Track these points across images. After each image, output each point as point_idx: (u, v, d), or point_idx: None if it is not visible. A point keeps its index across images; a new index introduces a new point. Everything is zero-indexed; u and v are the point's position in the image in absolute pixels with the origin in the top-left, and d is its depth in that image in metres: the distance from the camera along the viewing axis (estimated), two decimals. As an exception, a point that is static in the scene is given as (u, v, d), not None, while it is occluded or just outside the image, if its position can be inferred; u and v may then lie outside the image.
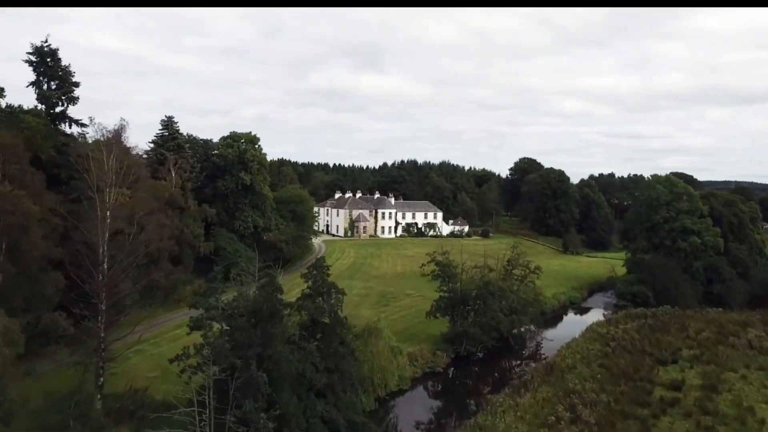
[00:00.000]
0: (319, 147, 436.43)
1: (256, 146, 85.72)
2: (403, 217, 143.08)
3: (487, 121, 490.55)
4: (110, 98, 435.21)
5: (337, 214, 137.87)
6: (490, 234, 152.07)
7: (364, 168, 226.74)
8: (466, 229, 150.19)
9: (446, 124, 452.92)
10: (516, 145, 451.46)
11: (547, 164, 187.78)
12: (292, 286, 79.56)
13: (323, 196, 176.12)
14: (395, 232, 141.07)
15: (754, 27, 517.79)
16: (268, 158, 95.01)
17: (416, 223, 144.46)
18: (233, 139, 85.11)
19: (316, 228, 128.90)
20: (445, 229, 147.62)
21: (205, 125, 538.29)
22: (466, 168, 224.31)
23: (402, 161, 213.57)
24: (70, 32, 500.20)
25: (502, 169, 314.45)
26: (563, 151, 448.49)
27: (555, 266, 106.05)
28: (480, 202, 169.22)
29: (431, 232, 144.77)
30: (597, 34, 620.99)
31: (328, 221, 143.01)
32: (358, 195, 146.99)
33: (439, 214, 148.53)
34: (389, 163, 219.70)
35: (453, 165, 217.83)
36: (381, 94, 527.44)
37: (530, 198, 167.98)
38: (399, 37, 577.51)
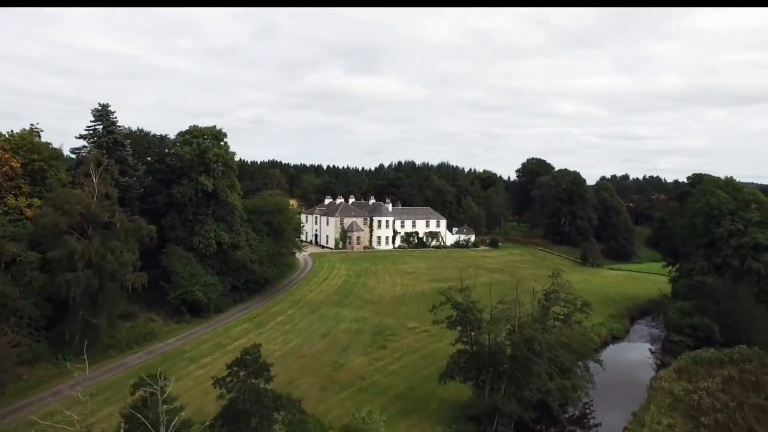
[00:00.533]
0: (315, 149, 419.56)
1: (222, 143, 69.19)
2: (402, 226, 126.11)
3: (484, 123, 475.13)
4: (105, 99, 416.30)
5: (327, 223, 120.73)
6: (500, 243, 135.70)
7: (359, 170, 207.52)
8: (473, 238, 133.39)
9: (443, 125, 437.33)
10: (512, 146, 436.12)
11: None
12: (265, 322, 61.71)
13: (313, 200, 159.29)
14: (393, 242, 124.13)
15: (752, 27, 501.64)
16: (260, 160, 78.96)
17: (417, 233, 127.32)
18: (193, 134, 68.22)
19: (303, 238, 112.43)
20: (450, 238, 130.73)
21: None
22: (465, 170, 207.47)
23: (399, 163, 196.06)
24: (63, 33, 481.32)
25: (503, 171, 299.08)
26: (559, 153, 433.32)
27: (578, 283, 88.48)
28: (486, 207, 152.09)
29: (434, 242, 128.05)
30: (594, 35, 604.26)
31: (316, 230, 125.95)
32: (351, 200, 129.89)
33: (443, 222, 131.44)
34: (386, 166, 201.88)
35: (452, 166, 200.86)
36: (377, 95, 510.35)
37: (542, 203, 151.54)
38: (396, 38, 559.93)
